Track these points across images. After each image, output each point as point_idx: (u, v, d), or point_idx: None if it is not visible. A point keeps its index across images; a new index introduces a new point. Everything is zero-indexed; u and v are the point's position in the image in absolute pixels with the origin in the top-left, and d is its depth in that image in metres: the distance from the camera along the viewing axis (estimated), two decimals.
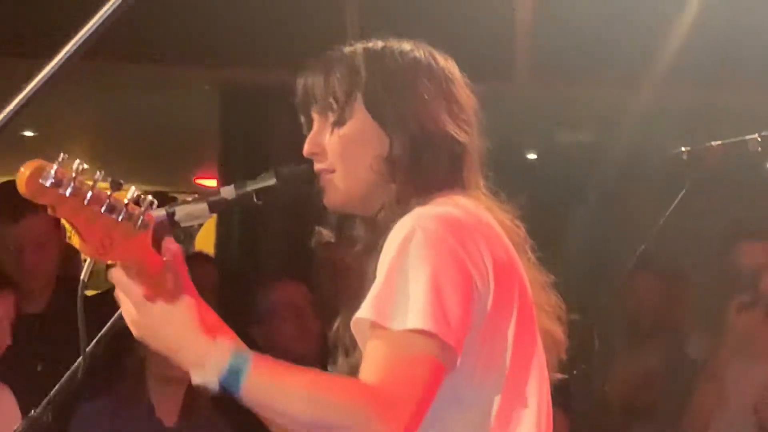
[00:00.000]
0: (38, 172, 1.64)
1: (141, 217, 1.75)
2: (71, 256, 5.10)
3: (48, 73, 1.66)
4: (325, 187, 2.17)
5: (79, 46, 1.65)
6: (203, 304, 1.92)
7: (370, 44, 2.20)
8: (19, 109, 1.64)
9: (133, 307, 1.90)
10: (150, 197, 1.76)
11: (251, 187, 2.16)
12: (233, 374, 1.84)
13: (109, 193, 1.70)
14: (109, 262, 1.85)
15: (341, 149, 2.15)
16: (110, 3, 1.65)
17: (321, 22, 5.78)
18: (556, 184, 7.35)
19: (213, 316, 1.92)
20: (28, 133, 9.12)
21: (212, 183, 10.08)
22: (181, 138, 9.11)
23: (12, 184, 4.62)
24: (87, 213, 1.70)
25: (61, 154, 1.67)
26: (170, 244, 1.90)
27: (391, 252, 1.95)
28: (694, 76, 6.06)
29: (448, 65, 2.21)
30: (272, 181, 2.16)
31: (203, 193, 2.15)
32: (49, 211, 1.68)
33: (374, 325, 1.91)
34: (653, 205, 3.94)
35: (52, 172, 1.64)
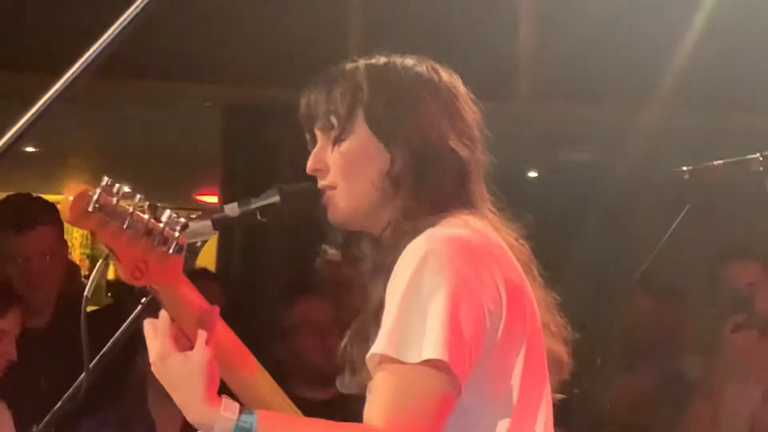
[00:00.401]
0: (82, 198, 1.65)
1: (175, 242, 1.76)
2: (73, 272, 5.10)
3: (57, 90, 1.66)
4: (328, 204, 2.16)
5: (89, 63, 1.65)
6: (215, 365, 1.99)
7: (373, 60, 2.20)
8: (27, 127, 1.64)
9: (155, 356, 1.99)
10: (183, 220, 1.77)
11: (255, 204, 2.16)
12: None
13: (146, 217, 1.71)
14: (143, 285, 1.87)
15: (343, 166, 2.14)
16: (120, 21, 1.65)
17: (323, 40, 5.79)
18: (557, 203, 7.35)
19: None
20: (30, 149, 9.12)
21: (213, 199, 10.09)
22: (183, 154, 9.11)
23: (16, 197, 4.63)
24: (126, 237, 1.71)
25: (105, 179, 1.67)
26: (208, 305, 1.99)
27: (403, 279, 1.93)
28: (696, 96, 6.07)
29: (452, 80, 2.20)
30: (276, 199, 2.15)
31: (206, 210, 2.15)
32: (90, 235, 1.70)
33: (385, 359, 1.89)
34: (655, 225, 3.94)
35: (96, 197, 1.65)
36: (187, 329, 2.03)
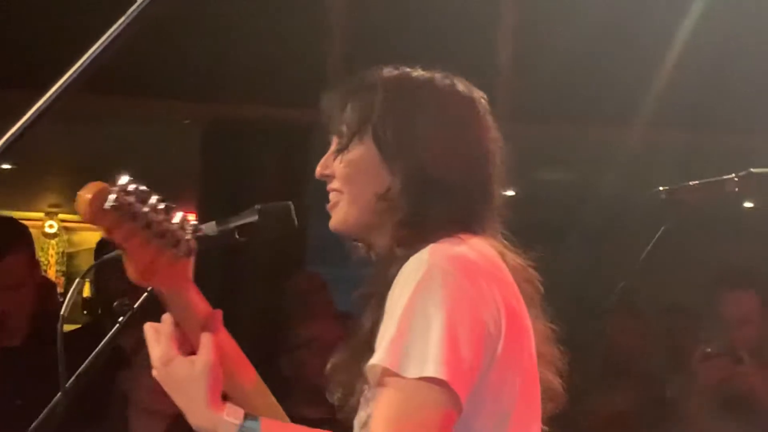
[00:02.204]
0: (100, 196, 1.65)
1: (186, 245, 1.76)
2: (49, 290, 5.07)
3: (40, 107, 1.66)
4: (332, 208, 2.16)
5: (72, 81, 1.65)
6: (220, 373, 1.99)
7: (395, 73, 2.16)
8: (11, 144, 1.63)
9: (158, 361, 1.98)
10: (194, 222, 1.78)
11: (233, 223, 2.15)
12: None
13: (161, 218, 1.71)
14: (152, 286, 1.86)
15: (346, 175, 2.13)
16: (105, 37, 1.64)
17: (303, 60, 5.80)
18: (535, 222, 7.35)
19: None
20: (6, 166, 9.09)
21: (191, 218, 10.06)
22: (161, 171, 9.06)
23: None
24: (141, 237, 1.71)
25: (121, 177, 1.67)
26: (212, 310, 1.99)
27: (404, 293, 1.92)
28: (675, 117, 6.10)
29: (477, 101, 2.17)
30: (254, 218, 2.15)
31: None
32: (104, 233, 1.68)
33: (387, 372, 1.89)
34: (633, 245, 3.95)
35: (113, 195, 1.64)
36: (191, 333, 2.03)
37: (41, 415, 2.11)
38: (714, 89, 5.97)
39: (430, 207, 2.07)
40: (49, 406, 2.09)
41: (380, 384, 1.90)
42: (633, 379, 5.19)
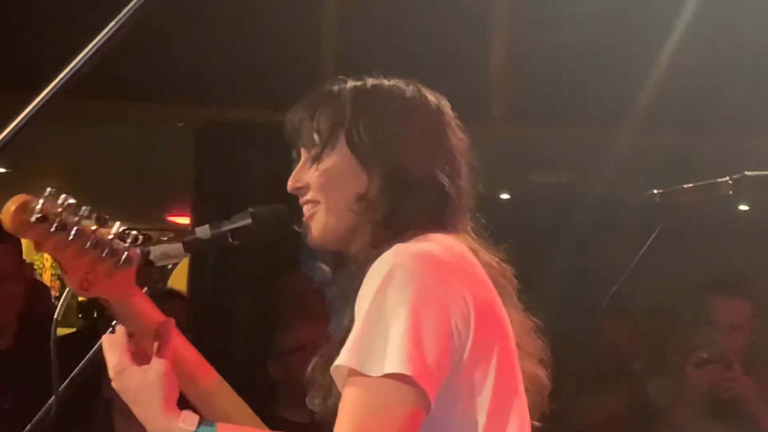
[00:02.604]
0: (24, 208, 1.63)
1: (125, 254, 1.74)
2: (43, 294, 5.06)
3: (30, 112, 1.65)
4: (308, 222, 2.16)
5: (65, 83, 1.64)
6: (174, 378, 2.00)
7: (360, 82, 2.18)
8: (3, 147, 1.63)
9: (112, 371, 1.98)
10: (135, 233, 1.76)
11: (226, 227, 2.15)
12: None
13: (93, 228, 1.69)
14: (93, 297, 1.85)
15: (322, 183, 2.13)
16: (97, 39, 1.64)
17: (297, 62, 5.80)
18: (529, 224, 7.36)
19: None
20: (0, 170, 9.09)
21: (185, 220, 10.06)
22: (155, 175, 9.09)
23: None
24: (72, 249, 1.69)
25: (48, 189, 1.66)
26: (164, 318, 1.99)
27: (369, 293, 1.91)
28: (669, 119, 6.11)
29: (441, 106, 2.19)
30: (248, 221, 2.15)
31: (178, 233, 2.14)
32: (34, 246, 1.67)
33: (351, 372, 1.88)
34: (626, 248, 3.94)
35: (38, 207, 1.63)
36: (144, 343, 2.03)
37: (34, 419, 2.10)
38: (708, 92, 5.98)
39: (408, 204, 2.08)
40: (42, 409, 2.08)
41: (346, 384, 1.89)
42: (625, 381, 5.20)
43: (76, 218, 1.67)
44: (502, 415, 2.03)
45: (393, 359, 1.85)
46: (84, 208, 1.69)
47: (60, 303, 1.87)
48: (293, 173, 2.19)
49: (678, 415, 4.46)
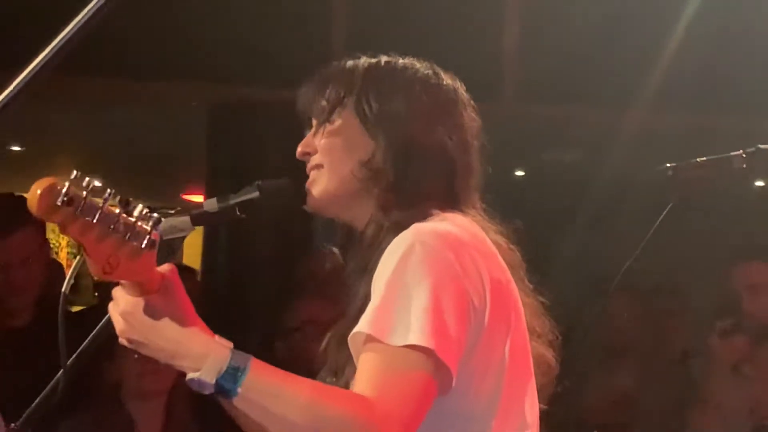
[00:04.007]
0: (50, 191, 1.62)
1: (148, 236, 1.74)
2: (58, 273, 5.07)
3: (20, 83, 1.64)
4: (310, 186, 2.17)
5: (52, 56, 1.64)
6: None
7: (374, 59, 2.21)
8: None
9: (128, 306, 1.87)
10: (156, 215, 1.75)
11: (234, 200, 2.16)
12: (232, 373, 1.81)
13: (118, 211, 1.69)
14: (114, 280, 1.83)
15: (327, 147, 2.15)
16: (82, 14, 1.63)
17: (309, 40, 5.79)
18: (543, 201, 7.36)
19: (207, 329, 1.90)
20: (15, 148, 9.11)
21: (200, 199, 10.07)
22: (169, 154, 9.10)
23: None
24: (96, 232, 1.68)
25: (74, 172, 1.65)
26: (165, 266, 1.89)
27: (389, 266, 1.92)
28: (681, 96, 6.09)
29: (454, 84, 2.21)
30: (255, 194, 2.16)
31: (186, 206, 2.14)
32: (59, 229, 1.67)
33: (370, 339, 1.88)
34: (640, 223, 3.93)
35: (64, 190, 1.63)
36: None
37: (42, 393, 2.11)
38: (719, 68, 5.95)
39: (414, 172, 2.10)
40: (50, 384, 2.09)
41: (364, 351, 1.88)
42: (637, 358, 5.20)
43: (101, 201, 1.67)
44: (515, 397, 2.05)
45: (416, 331, 1.86)
46: (108, 191, 1.69)
47: (68, 276, 1.87)
48: (304, 139, 2.21)
49: (710, 389, 4.46)
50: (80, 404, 3.84)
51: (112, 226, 1.68)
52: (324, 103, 2.17)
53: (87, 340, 2.07)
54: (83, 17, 1.63)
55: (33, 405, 2.14)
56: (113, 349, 3.71)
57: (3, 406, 3.64)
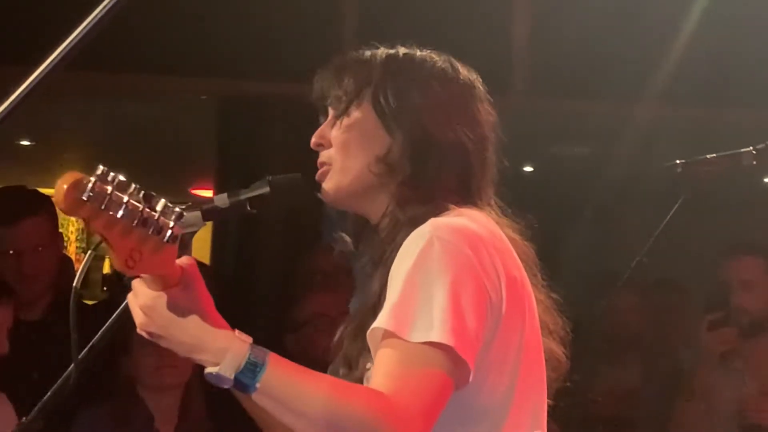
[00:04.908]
0: (76, 186, 1.63)
1: (170, 231, 1.74)
2: (68, 266, 5.08)
3: (36, 78, 1.65)
4: (323, 178, 2.17)
5: (67, 53, 1.64)
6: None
7: (392, 50, 2.20)
8: (6, 116, 1.63)
9: (149, 300, 1.87)
10: (179, 210, 1.76)
11: (244, 195, 2.16)
12: (251, 368, 1.80)
13: (141, 207, 1.70)
14: (136, 275, 1.83)
15: (342, 140, 2.15)
16: (97, 11, 1.64)
17: (319, 34, 5.79)
18: (552, 196, 7.35)
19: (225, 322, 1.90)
20: (26, 142, 9.12)
21: (209, 193, 10.08)
22: (178, 148, 9.12)
23: (8, 190, 4.58)
24: (120, 227, 1.69)
25: (100, 167, 1.66)
26: (185, 259, 1.89)
27: (407, 262, 1.92)
28: (690, 92, 6.08)
29: (471, 78, 2.21)
30: (265, 190, 2.16)
31: (197, 202, 2.15)
32: (84, 224, 1.67)
33: (389, 335, 1.88)
34: (649, 219, 3.94)
35: (90, 186, 1.64)
36: None
37: (54, 386, 2.12)
38: (729, 63, 5.94)
39: (431, 167, 2.10)
40: (62, 377, 2.09)
41: (383, 346, 1.88)
42: (645, 352, 5.20)
43: (125, 197, 1.68)
44: (529, 391, 2.05)
45: (437, 329, 1.86)
46: (133, 185, 1.70)
47: (79, 270, 1.87)
48: (318, 130, 2.20)
49: (698, 381, 4.47)
50: (97, 398, 3.86)
51: (135, 221, 1.69)
52: (341, 94, 2.16)
53: (99, 334, 2.08)
54: (96, 15, 1.64)
55: (44, 399, 2.14)
56: (130, 343, 3.75)
57: (16, 399, 3.67)
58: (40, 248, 4.16)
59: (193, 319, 1.85)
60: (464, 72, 2.20)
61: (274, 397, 1.82)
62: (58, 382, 2.11)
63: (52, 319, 4.11)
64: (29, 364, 3.88)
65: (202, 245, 6.29)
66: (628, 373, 5.14)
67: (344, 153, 2.14)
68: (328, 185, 2.16)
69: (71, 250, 12.31)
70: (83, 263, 1.83)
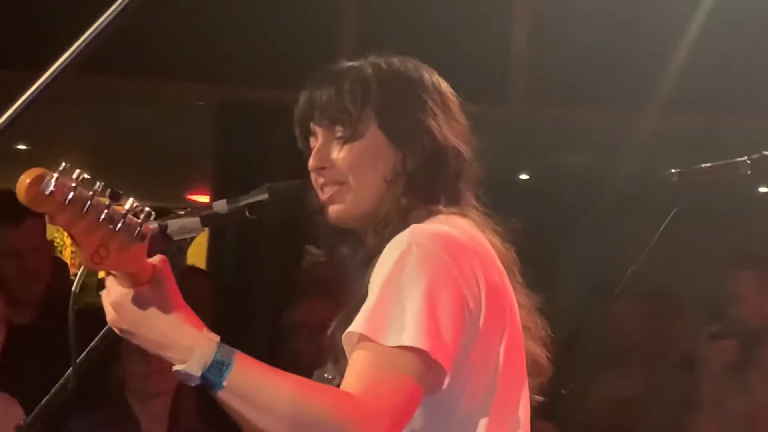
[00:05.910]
0: (38, 180, 1.65)
1: (138, 229, 1.75)
2: (61, 270, 5.09)
3: (41, 85, 1.67)
4: (333, 200, 2.17)
5: (73, 59, 1.66)
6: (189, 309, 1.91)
7: (376, 60, 2.21)
8: (11, 122, 1.64)
9: (118, 296, 1.88)
10: (148, 209, 1.77)
11: (243, 201, 2.17)
12: (218, 366, 1.82)
13: (107, 203, 1.71)
14: (103, 272, 1.85)
15: (352, 163, 2.14)
16: (103, 17, 1.65)
17: (316, 40, 5.80)
18: (548, 205, 7.36)
19: (198, 320, 1.91)
20: (22, 147, 9.11)
21: (205, 199, 10.08)
22: (175, 153, 9.11)
23: (6, 192, 4.60)
24: (84, 223, 1.70)
25: (63, 163, 1.67)
26: (156, 257, 1.90)
27: (386, 267, 1.94)
28: (688, 101, 6.09)
29: (444, 84, 2.24)
30: (264, 196, 2.16)
31: (195, 207, 2.16)
32: (47, 219, 1.69)
33: (364, 338, 1.89)
34: (645, 227, 3.94)
35: (52, 180, 1.65)
36: None
37: (52, 391, 2.12)
38: (726, 73, 5.95)
39: (433, 177, 2.13)
40: (60, 382, 2.10)
41: (357, 349, 1.90)
42: (642, 361, 5.20)
43: (90, 193, 1.68)
44: (509, 397, 2.07)
45: (410, 332, 1.87)
46: (98, 183, 1.71)
47: (78, 276, 1.88)
48: (316, 152, 2.19)
49: (706, 393, 4.47)
50: (89, 403, 3.85)
51: (101, 218, 1.70)
52: (342, 115, 2.15)
53: (96, 339, 2.08)
54: (102, 22, 1.65)
55: (42, 403, 2.14)
56: (119, 350, 3.76)
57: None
58: (40, 249, 4.19)
59: (162, 317, 1.86)
60: (441, 79, 2.24)
61: (242, 396, 1.83)
62: (56, 387, 2.11)
63: (44, 324, 4.10)
64: (23, 367, 3.88)
65: (198, 250, 6.29)
66: (626, 382, 5.14)
67: (356, 175, 2.14)
68: (340, 206, 2.16)
69: (67, 255, 12.29)
70: (81, 269, 1.84)
